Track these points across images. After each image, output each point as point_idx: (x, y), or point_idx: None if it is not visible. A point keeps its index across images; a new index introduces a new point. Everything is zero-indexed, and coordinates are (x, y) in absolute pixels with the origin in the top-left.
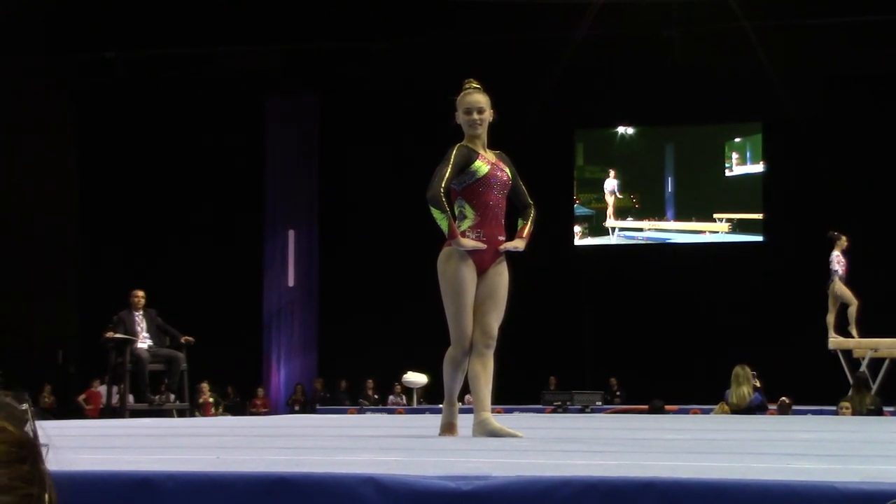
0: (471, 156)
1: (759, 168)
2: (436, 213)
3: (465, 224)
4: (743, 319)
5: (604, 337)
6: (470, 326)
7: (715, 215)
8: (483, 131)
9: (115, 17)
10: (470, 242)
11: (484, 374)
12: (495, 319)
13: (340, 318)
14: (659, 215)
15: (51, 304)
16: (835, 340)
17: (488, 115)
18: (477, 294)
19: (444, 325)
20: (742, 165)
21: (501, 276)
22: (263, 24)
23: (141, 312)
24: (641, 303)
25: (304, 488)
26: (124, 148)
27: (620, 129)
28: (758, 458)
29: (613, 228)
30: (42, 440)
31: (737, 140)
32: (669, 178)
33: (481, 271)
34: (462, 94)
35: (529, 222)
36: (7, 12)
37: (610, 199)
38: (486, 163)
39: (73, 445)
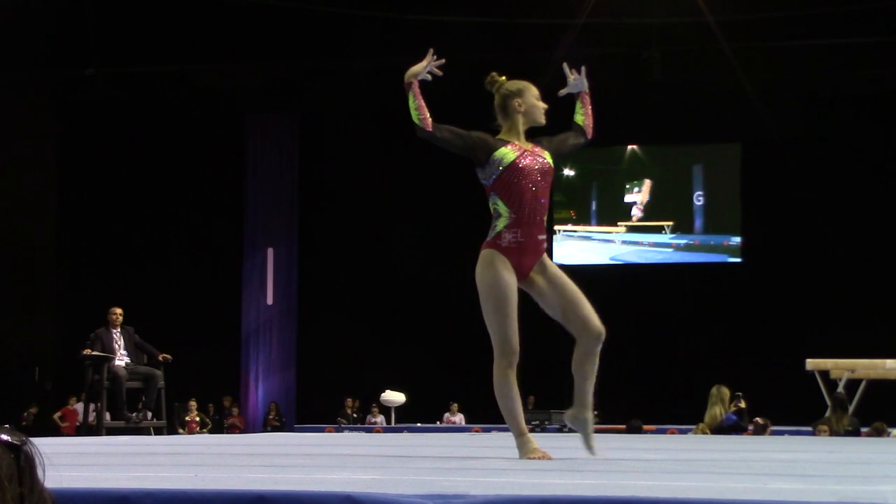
0: (493, 143)
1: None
2: (410, 104)
3: (501, 223)
4: (722, 340)
5: None
6: (515, 335)
7: (619, 223)
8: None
9: (97, 35)
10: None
11: (592, 370)
12: (589, 310)
13: (319, 337)
14: (586, 222)
15: (28, 322)
16: (812, 361)
17: None
18: (548, 300)
19: (421, 343)
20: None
21: (558, 274)
22: (245, 43)
23: (119, 330)
24: (620, 323)
25: None
26: (104, 164)
27: (565, 171)
28: (735, 479)
29: (558, 231)
30: (38, 459)
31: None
32: (594, 202)
33: (523, 276)
34: (522, 84)
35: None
36: None
37: (640, 201)
38: (514, 149)
39: (51, 463)
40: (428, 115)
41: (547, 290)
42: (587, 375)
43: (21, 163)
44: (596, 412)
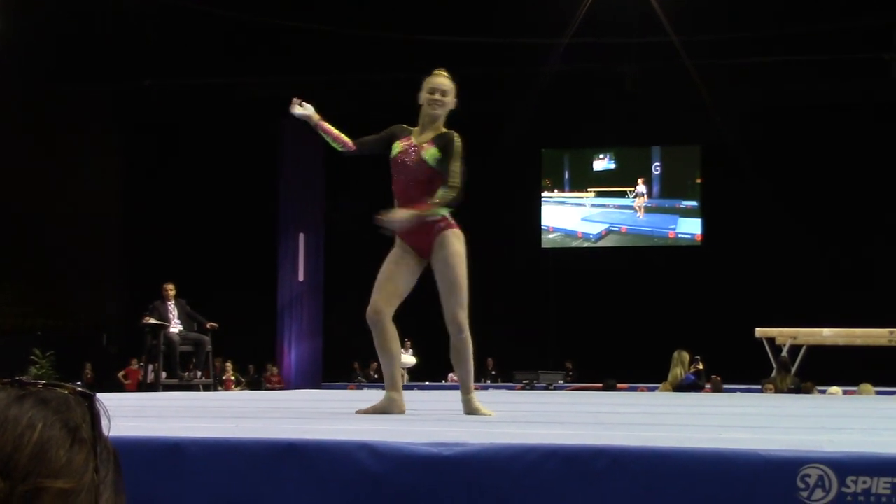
0: (397, 134)
1: None
2: (326, 140)
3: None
4: (684, 311)
5: (565, 325)
6: (377, 296)
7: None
8: (440, 112)
9: (152, 52)
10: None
11: (457, 360)
12: (455, 305)
13: (342, 309)
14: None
15: (96, 295)
16: (760, 330)
17: (451, 100)
18: (436, 280)
19: (430, 314)
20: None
21: (444, 262)
22: (279, 59)
23: (173, 302)
24: (598, 297)
25: (309, 453)
26: (161, 162)
27: (548, 148)
28: (694, 429)
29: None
30: (103, 411)
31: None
32: (566, 171)
33: (425, 253)
34: (431, 76)
35: (436, 197)
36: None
37: (640, 202)
38: (403, 143)
39: (114, 415)
40: (345, 138)
41: (435, 272)
42: (458, 364)
43: (91, 160)
44: (571, 374)
